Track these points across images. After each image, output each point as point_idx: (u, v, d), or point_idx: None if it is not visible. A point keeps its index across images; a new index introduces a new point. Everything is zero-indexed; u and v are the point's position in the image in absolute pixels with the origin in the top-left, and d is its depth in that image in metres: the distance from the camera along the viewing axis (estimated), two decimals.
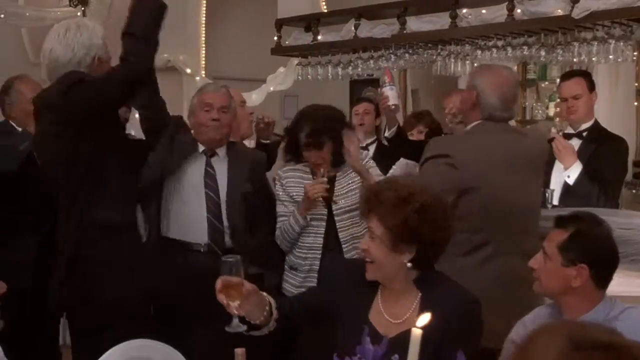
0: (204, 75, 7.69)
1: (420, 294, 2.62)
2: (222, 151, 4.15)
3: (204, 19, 7.83)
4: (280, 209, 4.14)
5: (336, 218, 4.04)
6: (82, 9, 8.58)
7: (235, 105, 4.32)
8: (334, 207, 4.03)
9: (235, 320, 2.53)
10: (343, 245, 4.02)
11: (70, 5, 8.59)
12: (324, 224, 4.05)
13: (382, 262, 2.61)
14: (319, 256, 4.04)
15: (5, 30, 8.17)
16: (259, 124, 4.89)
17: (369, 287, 2.71)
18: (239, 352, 2.29)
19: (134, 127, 4.35)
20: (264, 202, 4.22)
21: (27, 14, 8.41)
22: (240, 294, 2.47)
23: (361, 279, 2.69)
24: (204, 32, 7.84)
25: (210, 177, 4.08)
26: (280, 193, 4.14)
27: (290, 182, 4.12)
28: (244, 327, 2.55)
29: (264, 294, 2.62)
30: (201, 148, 4.12)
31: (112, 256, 3.49)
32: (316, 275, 3.76)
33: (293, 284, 4.10)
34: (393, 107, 4.83)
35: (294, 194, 4.08)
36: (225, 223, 4.02)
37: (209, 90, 4.22)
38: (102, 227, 3.48)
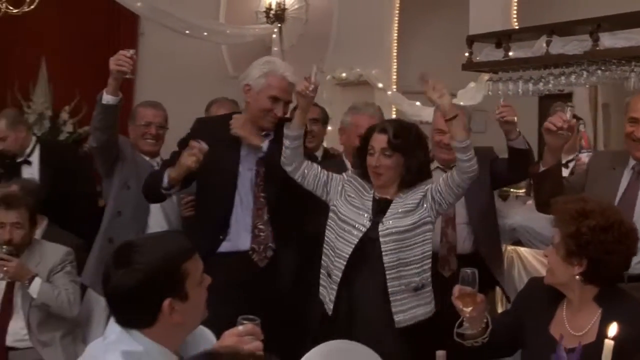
0: (395, 90, 7.84)
1: (600, 310, 2.74)
2: None
3: (396, 35, 8.02)
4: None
5: (381, 240, 3.64)
6: (279, 25, 8.99)
7: None
8: (380, 227, 3.65)
9: (466, 324, 2.92)
10: (387, 272, 3.61)
11: (267, 22, 9.01)
12: (360, 234, 3.66)
13: (554, 270, 2.82)
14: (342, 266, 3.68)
15: (206, 46, 8.80)
16: None
17: (555, 298, 2.86)
18: (440, 354, 2.51)
19: None
20: None
21: (228, 32, 8.91)
22: (474, 302, 2.84)
23: (548, 292, 2.87)
24: (395, 48, 8.02)
25: None
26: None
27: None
28: (472, 331, 2.90)
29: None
30: None
31: None
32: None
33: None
34: None
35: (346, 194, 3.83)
36: None
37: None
38: None
